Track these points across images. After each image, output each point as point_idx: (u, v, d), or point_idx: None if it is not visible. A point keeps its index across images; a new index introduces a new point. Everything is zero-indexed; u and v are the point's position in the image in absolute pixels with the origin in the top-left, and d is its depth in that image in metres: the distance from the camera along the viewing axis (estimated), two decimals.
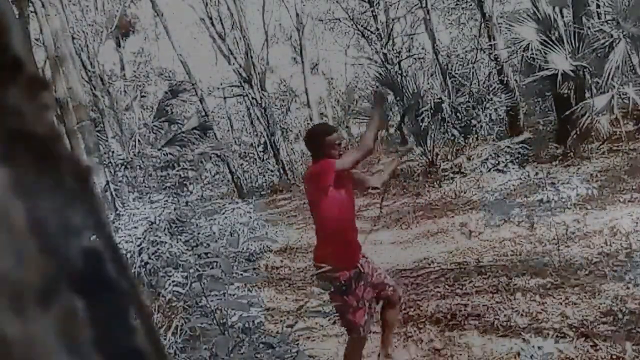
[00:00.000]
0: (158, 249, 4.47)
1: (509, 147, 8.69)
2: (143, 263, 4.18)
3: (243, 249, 5.46)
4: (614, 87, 7.41)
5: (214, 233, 5.30)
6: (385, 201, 9.11)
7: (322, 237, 2.72)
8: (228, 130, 21.64)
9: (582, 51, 7.83)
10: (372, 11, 14.45)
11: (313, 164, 2.73)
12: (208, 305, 2.22)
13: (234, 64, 15.83)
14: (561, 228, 4.20)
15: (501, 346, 3.01)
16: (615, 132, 7.76)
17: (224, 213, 6.57)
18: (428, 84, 10.93)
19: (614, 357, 2.65)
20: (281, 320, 4.10)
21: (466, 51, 14.04)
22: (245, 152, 17.49)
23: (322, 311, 4.15)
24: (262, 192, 14.15)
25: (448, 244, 5.60)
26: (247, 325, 2.78)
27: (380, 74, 11.92)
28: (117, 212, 5.56)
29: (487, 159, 8.71)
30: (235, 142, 18.40)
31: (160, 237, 4.63)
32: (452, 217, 6.83)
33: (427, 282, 4.52)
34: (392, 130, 11.64)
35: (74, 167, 0.29)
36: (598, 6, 9.57)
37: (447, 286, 4.23)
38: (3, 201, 0.25)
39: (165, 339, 3.03)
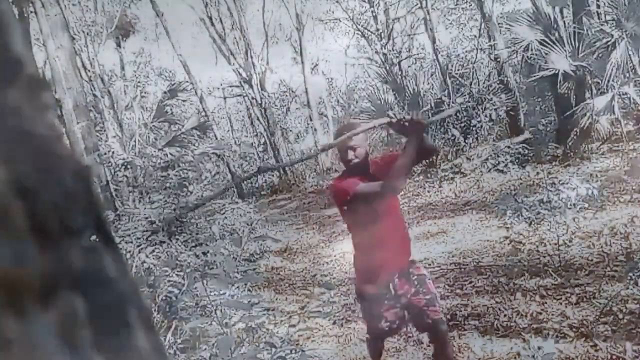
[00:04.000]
0: (157, 248, 4.47)
1: (509, 147, 8.69)
2: (142, 263, 4.17)
3: (244, 249, 5.45)
4: (615, 87, 7.41)
5: (214, 233, 5.29)
6: None
7: None
8: (228, 130, 21.63)
9: (582, 51, 7.83)
10: (372, 11, 14.45)
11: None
12: (209, 306, 2.23)
13: (234, 64, 15.83)
14: (561, 228, 4.20)
15: (501, 346, 3.01)
16: (615, 132, 7.76)
17: (224, 213, 6.57)
18: (428, 84, 10.94)
19: (614, 357, 2.65)
20: (281, 321, 4.11)
21: (466, 51, 14.03)
22: (245, 152, 17.50)
23: (323, 312, 4.14)
24: (262, 192, 14.15)
25: (448, 244, 5.60)
26: (249, 325, 2.77)
27: (380, 74, 11.92)
28: (117, 212, 5.56)
29: (487, 159, 8.71)
30: (235, 142, 18.40)
31: (159, 237, 4.63)
32: (452, 217, 6.83)
33: None
34: (391, 131, 11.62)
35: (74, 167, 0.29)
36: (598, 6, 9.57)
37: (447, 286, 4.23)
38: (3, 201, 0.25)
39: (165, 339, 3.02)
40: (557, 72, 7.92)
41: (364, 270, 2.43)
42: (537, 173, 7.47)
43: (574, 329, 3.00)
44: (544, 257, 4.18)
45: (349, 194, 2.24)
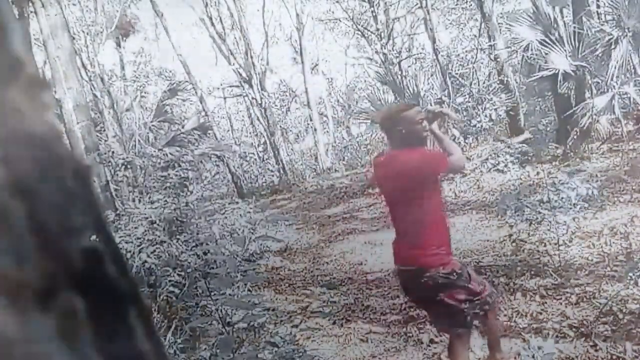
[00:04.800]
0: (157, 248, 4.47)
1: (509, 147, 8.69)
2: (142, 263, 4.18)
3: (246, 249, 5.45)
4: (615, 86, 7.41)
5: (214, 233, 5.30)
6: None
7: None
8: (228, 130, 21.64)
9: (582, 51, 7.83)
10: (372, 11, 14.45)
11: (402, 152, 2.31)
12: (209, 305, 2.23)
13: (234, 64, 15.82)
14: (561, 228, 4.20)
15: (501, 346, 3.01)
16: (616, 132, 7.76)
17: (224, 213, 6.57)
18: (428, 84, 10.94)
19: (614, 357, 2.65)
20: (281, 321, 4.10)
21: (466, 51, 14.05)
22: (245, 152, 17.50)
23: (323, 312, 4.15)
24: (262, 192, 14.15)
25: None
26: (251, 324, 2.77)
27: (380, 74, 11.92)
28: (117, 212, 5.56)
29: (487, 159, 8.71)
30: (235, 142, 18.41)
31: (160, 237, 4.63)
32: (452, 217, 6.82)
33: None
34: None
35: (74, 167, 0.29)
36: (598, 6, 9.58)
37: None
38: (3, 201, 0.25)
39: (165, 339, 3.03)
40: (557, 72, 7.92)
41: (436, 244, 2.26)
42: (537, 173, 7.47)
43: (574, 329, 3.00)
44: (544, 257, 4.18)
45: (446, 166, 2.28)
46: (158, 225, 4.87)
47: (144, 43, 19.92)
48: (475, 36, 14.91)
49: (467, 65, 12.28)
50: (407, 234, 2.33)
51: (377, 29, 14.46)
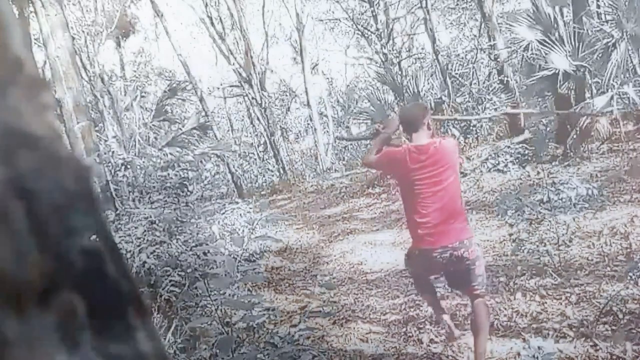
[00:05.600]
0: (157, 248, 4.47)
1: (509, 147, 8.68)
2: (142, 263, 4.17)
3: (245, 249, 5.43)
4: (614, 87, 7.40)
5: (214, 233, 5.29)
6: (386, 201, 9.12)
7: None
8: (228, 130, 21.62)
9: (582, 51, 7.83)
10: (372, 11, 14.44)
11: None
12: (209, 305, 2.23)
13: (234, 64, 15.82)
14: (561, 228, 4.20)
15: (501, 346, 3.01)
16: (615, 132, 7.75)
17: (223, 213, 6.57)
18: (428, 84, 10.94)
19: (614, 357, 2.65)
20: (281, 321, 4.11)
21: (466, 51, 14.05)
22: (245, 152, 17.49)
23: (323, 312, 4.15)
24: (262, 192, 14.15)
25: None
26: (250, 324, 2.77)
27: (380, 74, 11.92)
28: (117, 212, 5.56)
29: (487, 159, 8.71)
30: (235, 142, 18.38)
31: (159, 237, 4.63)
32: None
33: None
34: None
35: (74, 167, 0.29)
36: (598, 6, 9.58)
37: (446, 286, 4.22)
38: (3, 201, 0.25)
39: (165, 339, 3.02)
40: (557, 72, 7.91)
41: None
42: (537, 173, 7.46)
43: (574, 329, 3.00)
44: (544, 257, 4.18)
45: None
46: (158, 225, 4.87)
47: (144, 43, 19.93)
48: (475, 36, 14.91)
49: (467, 65, 12.27)
50: (441, 214, 2.61)
51: (377, 29, 14.46)
